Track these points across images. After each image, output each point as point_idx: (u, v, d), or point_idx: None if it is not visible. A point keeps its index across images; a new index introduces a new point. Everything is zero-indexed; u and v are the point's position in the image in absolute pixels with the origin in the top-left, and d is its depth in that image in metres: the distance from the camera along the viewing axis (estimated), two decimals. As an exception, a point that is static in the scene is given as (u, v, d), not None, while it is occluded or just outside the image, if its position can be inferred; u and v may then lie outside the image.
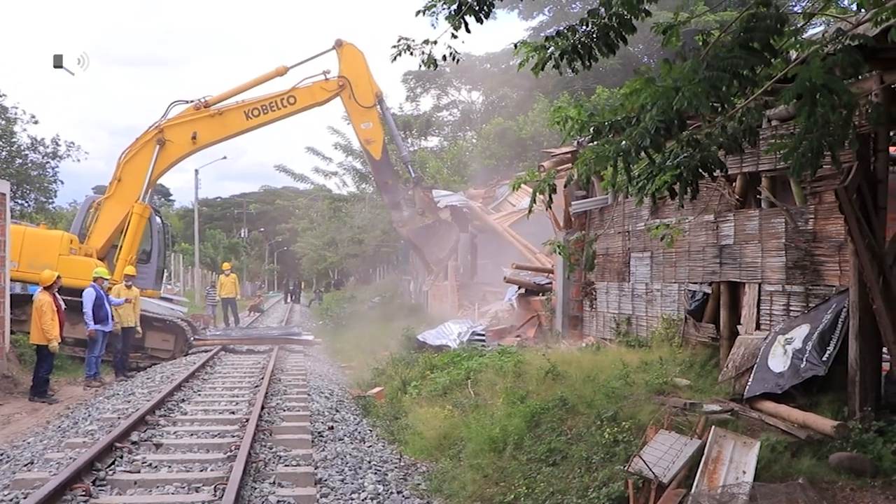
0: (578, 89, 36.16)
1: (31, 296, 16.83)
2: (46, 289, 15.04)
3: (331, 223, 49.76)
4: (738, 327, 9.80)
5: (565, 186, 13.04)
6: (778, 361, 8.15)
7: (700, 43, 5.94)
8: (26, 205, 35.25)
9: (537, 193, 9.24)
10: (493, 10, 6.12)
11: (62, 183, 36.60)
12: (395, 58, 6.89)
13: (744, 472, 6.40)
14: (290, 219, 70.58)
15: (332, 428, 11.05)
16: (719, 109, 5.69)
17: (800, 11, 7.76)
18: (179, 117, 21.39)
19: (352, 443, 10.36)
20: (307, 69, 22.05)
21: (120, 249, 20.77)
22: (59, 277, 15.43)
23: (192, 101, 21.39)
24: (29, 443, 10.75)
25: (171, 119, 21.38)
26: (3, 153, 33.13)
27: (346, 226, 45.40)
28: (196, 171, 54.59)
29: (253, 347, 22.15)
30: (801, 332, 8.16)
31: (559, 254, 12.71)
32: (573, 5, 44.96)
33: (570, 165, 13.57)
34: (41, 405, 14.31)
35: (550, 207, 11.07)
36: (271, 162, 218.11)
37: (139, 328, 18.78)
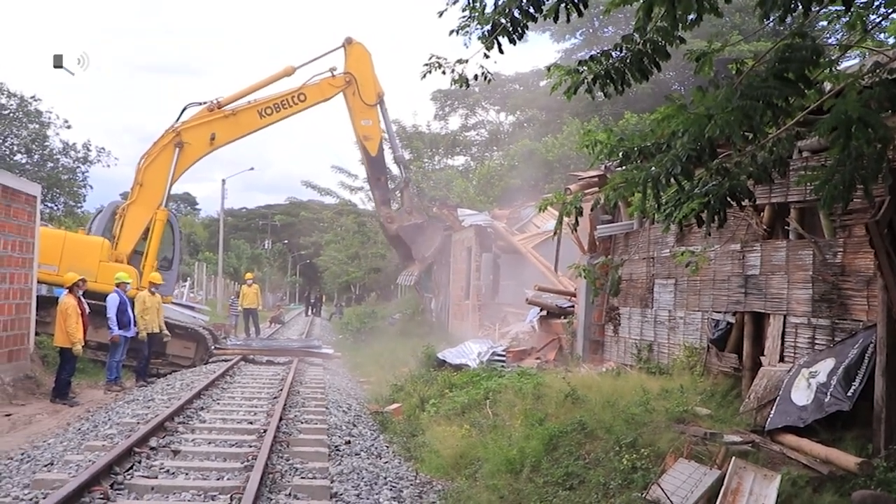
0: (607, 114, 36.13)
1: (57, 298, 17.01)
2: (71, 291, 15.17)
3: (355, 238, 49.97)
4: (762, 358, 9.72)
5: (591, 210, 13.02)
6: (801, 395, 8.07)
7: (734, 72, 5.93)
8: (55, 208, 35.60)
9: (563, 216, 9.24)
10: (526, 31, 6.14)
11: (91, 188, 36.98)
12: (424, 75, 6.94)
13: (763, 505, 6.33)
14: (315, 232, 70.80)
15: (349, 442, 11.04)
16: (750, 138, 5.67)
17: (835, 43, 7.73)
18: (195, 119, 21.70)
19: (368, 458, 10.34)
20: (313, 68, 22.80)
21: (146, 255, 20.98)
22: (83, 280, 15.57)
23: (205, 103, 21.71)
24: (49, 444, 10.82)
25: (186, 122, 21.68)
26: (36, 157, 33.54)
27: (369, 241, 45.60)
28: (223, 181, 55.17)
29: (273, 358, 22.20)
30: (825, 365, 8.07)
31: (584, 277, 12.68)
32: (605, 29, 45.02)
33: (596, 189, 13.56)
34: (62, 407, 14.40)
35: (576, 230, 11.05)
36: (298, 174, 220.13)
37: (166, 332, 18.91)
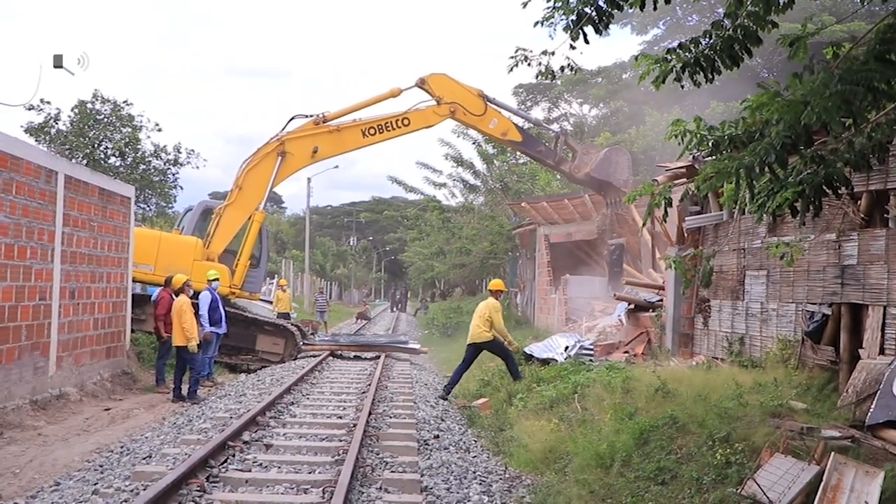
0: (691, 104, 35.42)
1: (150, 296, 17.50)
2: (182, 291, 15.55)
3: (439, 233, 50.15)
4: (860, 351, 9.40)
5: (680, 201, 12.78)
6: (904, 388, 7.78)
7: (830, 56, 5.75)
8: (148, 209, 36.70)
9: (652, 207, 9.10)
10: (612, 20, 6.07)
11: (182, 188, 37.92)
12: (511, 68, 6.92)
13: (866, 503, 6.13)
14: (399, 228, 71.39)
15: (437, 437, 11.08)
16: (847, 124, 5.49)
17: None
18: (300, 131, 22.00)
19: (457, 452, 10.37)
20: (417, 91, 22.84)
21: (240, 254, 21.55)
22: (171, 278, 16.01)
23: (311, 116, 22.01)
24: (147, 437, 11.16)
25: (291, 132, 21.98)
26: (129, 159, 34.56)
27: (454, 236, 45.71)
28: (308, 179, 55.96)
29: (360, 354, 22.46)
30: (930, 358, 7.77)
31: (673, 269, 12.45)
32: (689, 18, 44.14)
33: (684, 180, 13.33)
34: (158, 401, 14.80)
35: (665, 222, 10.88)
36: (382, 172, 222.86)
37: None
